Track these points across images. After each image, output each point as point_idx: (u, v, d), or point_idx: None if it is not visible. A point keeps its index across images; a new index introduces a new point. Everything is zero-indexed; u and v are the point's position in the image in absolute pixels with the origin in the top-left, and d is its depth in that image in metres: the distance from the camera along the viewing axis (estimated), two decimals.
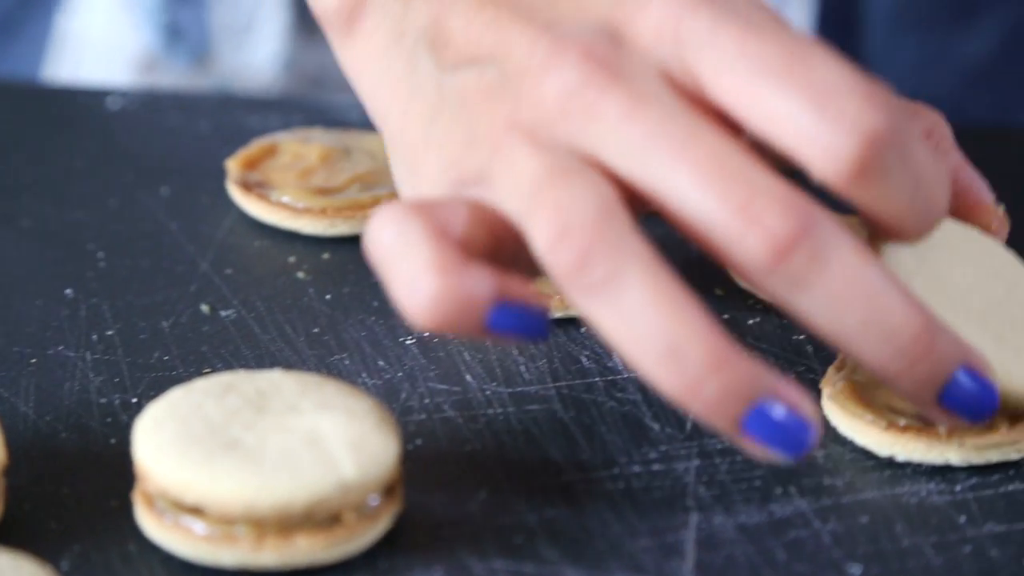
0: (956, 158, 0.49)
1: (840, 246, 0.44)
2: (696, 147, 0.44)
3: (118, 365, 0.52)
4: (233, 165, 0.59)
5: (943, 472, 0.48)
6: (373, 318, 0.54)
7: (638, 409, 0.50)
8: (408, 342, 0.53)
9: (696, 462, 0.49)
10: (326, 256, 0.57)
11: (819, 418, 0.43)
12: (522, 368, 0.52)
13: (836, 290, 0.44)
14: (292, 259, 0.57)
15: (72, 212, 0.59)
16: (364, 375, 0.52)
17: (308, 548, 0.45)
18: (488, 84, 0.47)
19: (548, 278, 0.44)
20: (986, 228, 0.50)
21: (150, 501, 0.46)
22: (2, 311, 0.54)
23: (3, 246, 0.57)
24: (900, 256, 0.47)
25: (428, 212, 0.44)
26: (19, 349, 0.53)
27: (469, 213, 0.45)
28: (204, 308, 0.55)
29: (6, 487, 0.47)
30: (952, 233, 0.49)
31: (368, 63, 0.50)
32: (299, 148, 0.60)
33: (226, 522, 0.45)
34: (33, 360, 0.52)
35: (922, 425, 0.48)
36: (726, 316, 0.54)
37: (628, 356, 0.43)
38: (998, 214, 0.51)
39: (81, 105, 0.65)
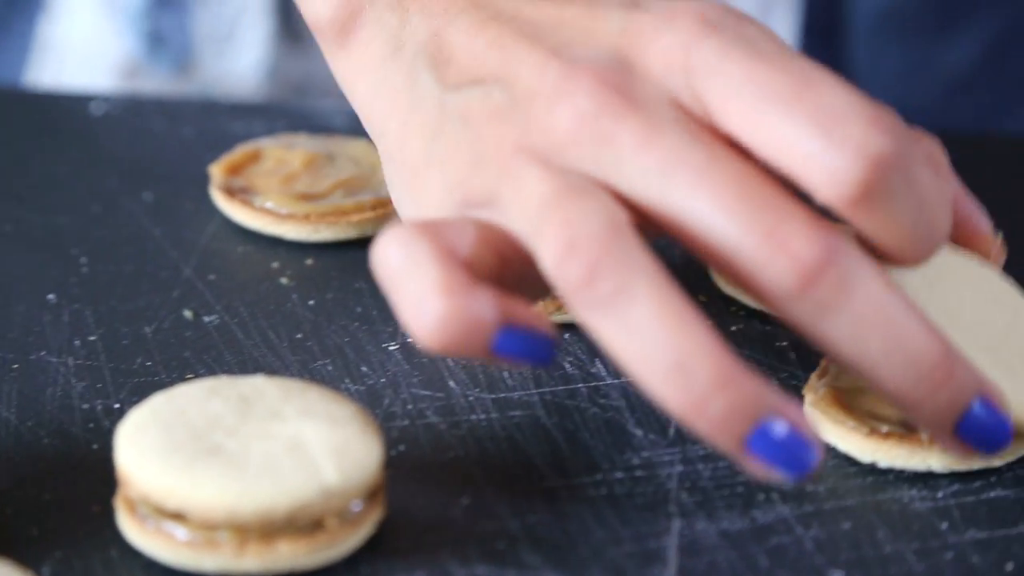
0: (955, 185, 0.49)
1: (865, 273, 0.44)
2: (717, 173, 0.44)
3: (101, 370, 0.52)
4: (217, 171, 0.59)
5: (925, 479, 0.48)
6: (356, 324, 0.54)
7: (621, 415, 0.50)
8: (391, 348, 0.53)
9: (679, 468, 0.49)
10: (309, 262, 0.57)
11: (822, 440, 0.43)
12: (505, 374, 0.52)
13: (861, 316, 0.44)
14: (275, 265, 0.57)
15: (55, 217, 0.59)
16: (347, 381, 0.52)
17: (290, 554, 0.45)
18: (495, 105, 0.46)
19: (551, 298, 0.44)
20: (984, 256, 0.51)
21: (132, 507, 0.46)
22: None
23: None
24: (902, 284, 0.47)
25: (435, 233, 0.44)
26: (1, 354, 0.52)
27: (476, 234, 0.45)
28: (187, 314, 0.55)
29: None
30: (951, 261, 0.49)
31: (364, 74, 0.50)
32: (283, 154, 0.60)
33: (208, 528, 0.45)
34: (15, 365, 0.52)
35: (904, 431, 0.48)
36: (708, 322, 0.54)
37: (634, 372, 0.43)
38: (996, 242, 0.52)
39: (65, 110, 0.65)
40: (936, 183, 0.45)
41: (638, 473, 0.49)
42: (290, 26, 0.74)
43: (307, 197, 0.58)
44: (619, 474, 0.49)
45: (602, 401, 0.51)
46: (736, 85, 0.44)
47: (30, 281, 0.56)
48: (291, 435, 0.46)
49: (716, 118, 0.45)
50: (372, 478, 0.46)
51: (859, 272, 0.44)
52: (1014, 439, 0.48)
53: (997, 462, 0.49)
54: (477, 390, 0.51)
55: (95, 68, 0.76)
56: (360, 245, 0.57)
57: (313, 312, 0.55)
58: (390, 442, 0.49)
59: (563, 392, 0.51)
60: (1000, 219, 0.61)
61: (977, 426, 0.45)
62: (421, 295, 0.43)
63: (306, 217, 0.58)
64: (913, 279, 0.47)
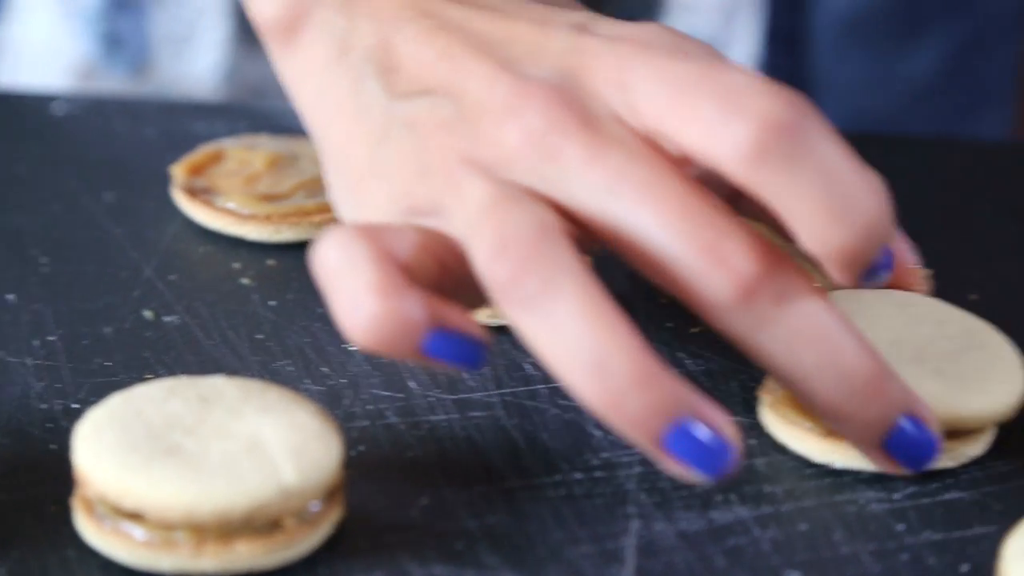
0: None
1: (801, 288, 0.45)
2: (660, 189, 0.45)
3: (60, 371, 0.52)
4: (178, 171, 0.59)
5: (882, 480, 0.49)
6: (317, 324, 0.54)
7: (581, 416, 0.51)
8: (352, 348, 0.53)
9: (638, 469, 0.49)
10: (271, 262, 0.57)
11: (739, 440, 0.44)
12: (465, 375, 0.52)
13: (796, 330, 0.45)
14: (237, 265, 0.57)
15: (15, 217, 0.59)
16: (307, 381, 0.52)
17: (248, 554, 0.45)
18: (442, 117, 0.47)
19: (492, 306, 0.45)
20: (910, 289, 0.52)
21: (89, 507, 0.46)
22: None
23: None
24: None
25: (374, 235, 0.45)
26: None
27: (416, 240, 0.46)
28: (147, 314, 0.54)
29: None
30: (876, 293, 0.51)
31: (308, 76, 0.50)
32: (245, 154, 0.60)
33: (166, 528, 0.45)
34: None
35: None
36: (669, 324, 0.54)
37: (556, 369, 0.44)
38: (921, 276, 0.53)
39: (26, 110, 0.64)
40: (842, 155, 0.45)
41: (597, 474, 0.49)
42: (248, 28, 0.74)
43: (269, 198, 0.58)
44: (578, 475, 0.49)
45: (562, 402, 0.51)
46: (656, 83, 0.45)
47: None
48: (250, 435, 0.46)
49: (646, 122, 0.46)
50: (331, 478, 0.46)
51: (796, 287, 0.45)
52: (961, 441, 0.49)
53: (950, 463, 0.49)
54: (437, 391, 0.51)
55: (51, 69, 0.75)
56: None
57: (274, 313, 0.55)
58: (350, 442, 0.49)
59: (523, 393, 0.52)
60: (963, 220, 0.61)
61: (904, 442, 0.46)
62: (355, 294, 0.44)
63: (268, 218, 0.58)
64: (842, 306, 0.48)
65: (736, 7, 0.79)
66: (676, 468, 0.44)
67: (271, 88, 0.75)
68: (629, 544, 0.47)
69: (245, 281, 0.56)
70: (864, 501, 0.48)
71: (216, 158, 0.60)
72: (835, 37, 0.85)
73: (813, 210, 0.44)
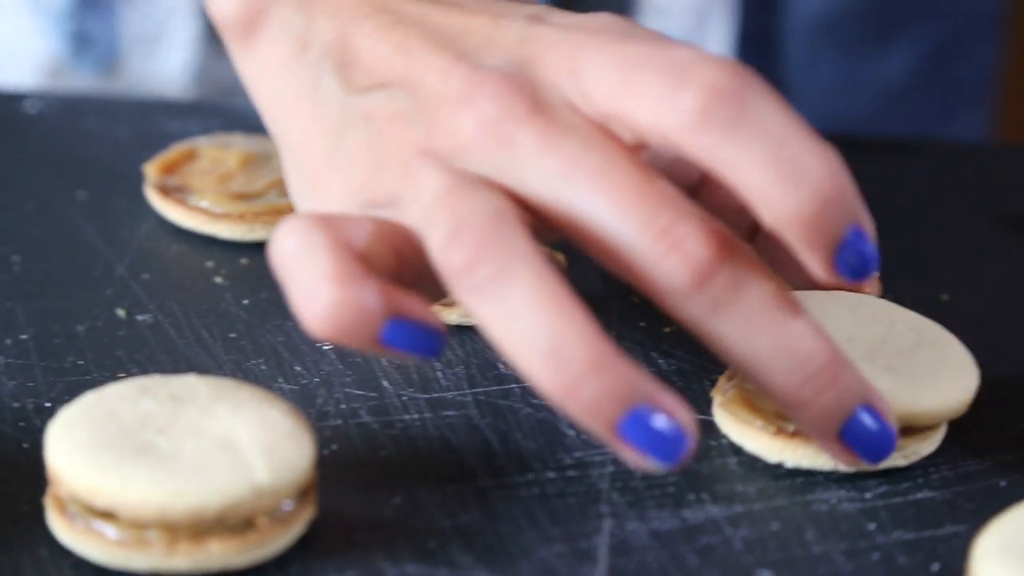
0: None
1: (756, 273, 0.45)
2: (615, 175, 0.45)
3: (32, 369, 0.52)
4: (151, 169, 0.59)
5: (853, 480, 0.49)
6: (290, 323, 0.54)
7: (554, 415, 0.51)
8: (325, 347, 0.53)
9: (610, 468, 0.49)
10: (244, 261, 0.57)
11: (696, 428, 0.44)
12: (439, 374, 0.52)
13: (751, 315, 0.45)
14: (210, 264, 0.57)
15: None
16: (280, 380, 0.52)
17: (221, 553, 0.45)
18: (398, 109, 0.47)
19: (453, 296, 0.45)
20: (860, 288, 0.52)
21: (62, 505, 0.46)
22: None
23: None
24: None
25: (332, 225, 0.45)
26: None
27: (373, 230, 0.46)
28: (120, 312, 0.54)
29: None
30: (829, 295, 0.51)
31: (267, 73, 0.51)
32: (218, 153, 0.60)
33: (138, 527, 0.45)
34: None
35: None
36: (642, 324, 0.54)
37: (511, 355, 0.44)
38: (874, 280, 0.53)
39: None
40: (789, 121, 0.45)
41: (570, 473, 0.49)
42: None
43: (242, 196, 0.58)
44: (551, 474, 0.49)
45: (535, 401, 0.51)
46: (606, 67, 0.46)
47: None
48: (222, 434, 0.46)
49: (598, 107, 0.46)
50: (303, 477, 0.46)
51: (751, 273, 0.45)
52: (913, 438, 0.49)
53: (902, 462, 0.49)
54: (411, 390, 0.51)
55: (20, 68, 0.75)
56: None
57: (247, 311, 0.55)
58: (323, 441, 0.49)
59: (497, 392, 0.52)
60: (933, 220, 0.61)
61: (862, 432, 0.46)
62: (312, 283, 0.44)
63: (241, 216, 0.58)
64: None
65: (709, 9, 0.79)
66: (632, 456, 0.44)
67: (241, 88, 0.75)
68: (602, 543, 0.47)
69: (218, 280, 0.56)
70: (836, 500, 0.48)
71: (189, 157, 0.60)
72: (808, 39, 0.86)
73: (760, 173, 0.44)
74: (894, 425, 0.46)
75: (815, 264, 0.45)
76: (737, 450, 0.50)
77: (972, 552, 0.45)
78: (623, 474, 0.49)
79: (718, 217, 0.46)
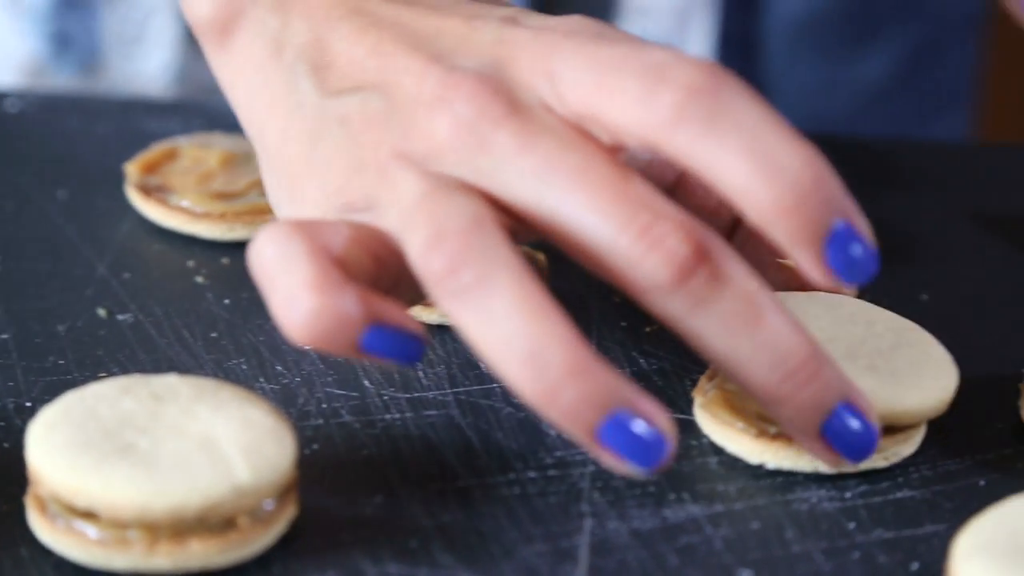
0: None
1: (737, 271, 0.45)
2: (592, 174, 0.45)
3: (12, 369, 0.52)
4: (132, 169, 0.59)
5: (833, 479, 0.49)
6: (271, 323, 0.54)
7: (535, 415, 0.51)
8: (306, 347, 0.53)
9: (591, 468, 0.49)
10: (225, 261, 0.57)
11: (675, 432, 0.44)
12: (420, 374, 0.52)
13: (731, 312, 0.45)
14: (191, 263, 0.57)
15: None
16: (262, 380, 0.52)
17: (202, 552, 0.45)
18: (374, 112, 0.47)
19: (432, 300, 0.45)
20: (838, 290, 0.52)
21: (42, 505, 0.46)
22: None
23: None
24: None
25: (310, 232, 0.45)
26: None
27: (351, 235, 0.46)
28: (101, 312, 0.54)
29: None
30: (807, 296, 0.51)
31: (243, 76, 0.51)
32: (199, 152, 0.60)
33: (119, 526, 0.45)
34: None
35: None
36: (623, 323, 0.55)
37: (492, 360, 0.44)
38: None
39: None
40: (765, 116, 0.45)
41: (551, 472, 0.49)
42: None
43: (223, 196, 0.58)
44: (532, 473, 0.49)
45: (516, 401, 0.51)
46: (581, 69, 0.46)
47: None
48: (203, 434, 0.46)
49: (574, 108, 0.46)
50: (284, 477, 0.46)
51: (731, 269, 0.45)
52: (893, 439, 0.49)
53: (882, 463, 0.49)
54: (392, 389, 0.51)
55: (0, 68, 0.75)
56: None
57: (228, 311, 0.55)
58: (304, 441, 0.49)
59: (478, 392, 0.52)
60: (914, 222, 0.61)
61: (843, 429, 0.46)
62: (292, 291, 0.44)
63: (222, 216, 0.57)
64: None
65: (689, 11, 0.79)
66: (611, 461, 0.44)
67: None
68: (583, 542, 0.47)
69: (199, 279, 0.56)
70: (816, 500, 0.48)
71: (170, 156, 0.60)
72: (789, 41, 0.86)
73: (738, 167, 0.44)
74: (876, 423, 0.46)
75: (805, 262, 0.45)
76: (718, 450, 0.50)
77: (952, 551, 0.45)
78: (604, 473, 0.49)
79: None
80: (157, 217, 0.58)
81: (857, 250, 0.45)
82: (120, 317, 0.54)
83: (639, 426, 0.44)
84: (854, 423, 0.46)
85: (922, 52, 0.87)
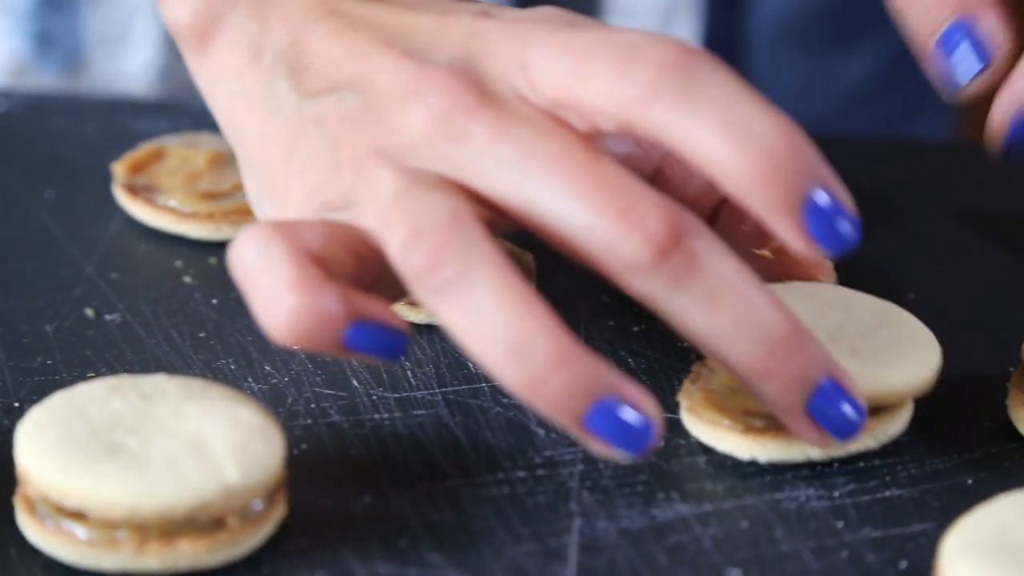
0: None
1: (716, 249, 0.45)
2: (569, 161, 0.45)
3: (0, 369, 0.52)
4: (119, 169, 0.59)
5: (822, 478, 0.49)
6: None
7: (523, 414, 0.51)
8: (295, 347, 0.53)
9: (580, 467, 0.49)
10: (213, 261, 0.57)
11: (662, 417, 0.44)
12: (409, 374, 0.52)
13: (712, 289, 0.45)
14: (179, 263, 0.57)
15: None
16: (250, 380, 0.52)
17: (191, 552, 0.45)
18: (350, 110, 0.48)
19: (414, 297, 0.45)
20: (815, 279, 0.53)
21: (31, 506, 0.45)
22: None
23: None
24: None
25: (290, 232, 0.45)
26: None
27: (332, 234, 0.46)
28: (89, 312, 0.54)
29: None
30: (780, 286, 0.51)
31: (223, 80, 0.51)
32: (186, 152, 0.60)
33: (108, 526, 0.45)
34: None
35: (777, 425, 0.49)
36: (611, 323, 0.55)
37: (476, 353, 0.44)
38: (827, 267, 0.53)
39: None
40: (739, 89, 0.45)
41: (540, 472, 0.49)
42: None
43: (211, 196, 0.58)
44: (521, 473, 0.49)
45: (505, 400, 0.51)
46: (553, 56, 0.46)
47: None
48: (192, 434, 0.46)
49: (548, 95, 0.46)
50: (273, 477, 0.46)
51: (710, 247, 0.45)
52: (880, 419, 0.49)
53: (872, 444, 0.49)
54: (381, 389, 0.52)
55: None
56: None
57: (216, 311, 0.55)
58: (292, 441, 0.49)
59: (466, 391, 0.52)
60: (899, 221, 0.61)
61: (828, 405, 0.46)
62: (273, 291, 0.45)
63: (209, 216, 0.57)
64: None
65: (674, 10, 0.79)
66: (599, 448, 0.44)
67: None
68: (572, 542, 0.47)
69: (187, 279, 0.56)
70: (804, 498, 0.48)
71: (157, 156, 0.60)
72: (773, 40, 0.86)
73: (712, 139, 0.45)
74: (861, 400, 0.46)
75: (785, 232, 0.45)
76: (706, 449, 0.50)
77: (940, 550, 0.45)
78: (593, 473, 0.49)
79: None
80: (144, 217, 0.58)
81: (837, 217, 0.45)
82: (108, 317, 0.54)
83: (625, 412, 0.44)
84: (838, 398, 0.46)
85: (906, 52, 0.87)
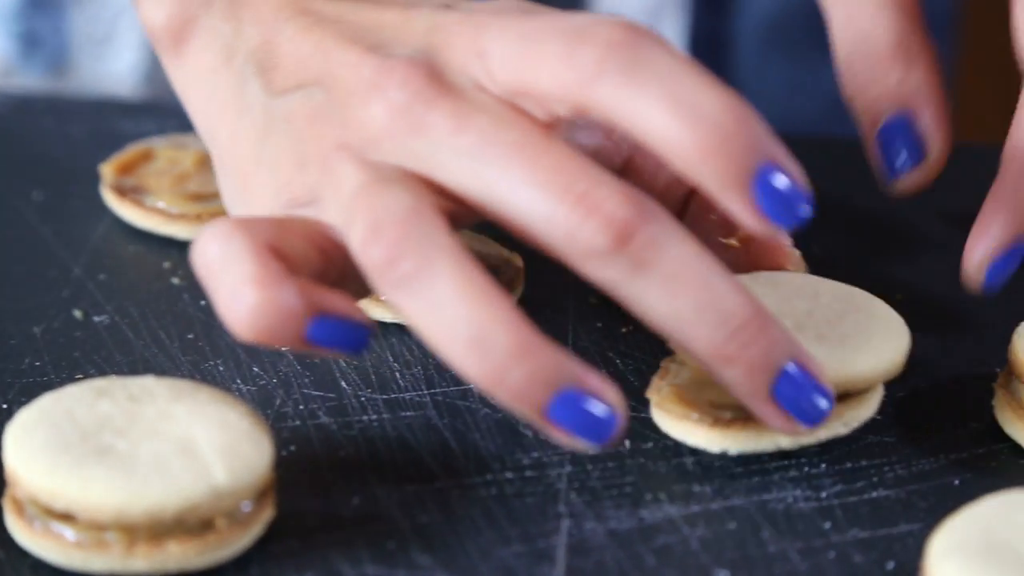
0: None
1: (676, 234, 0.45)
2: (529, 148, 0.46)
3: None
4: (107, 170, 0.59)
5: (809, 479, 0.49)
6: None
7: (512, 416, 0.51)
8: (283, 349, 0.53)
9: (568, 468, 0.49)
10: None
11: (625, 407, 0.45)
12: (397, 375, 0.52)
13: (672, 274, 0.45)
14: (167, 265, 0.57)
15: None
16: (239, 381, 0.52)
17: (180, 554, 0.45)
18: (315, 107, 0.48)
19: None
20: (783, 268, 0.52)
21: (20, 507, 0.45)
22: None
23: None
24: None
25: (254, 228, 0.46)
26: None
27: (296, 231, 0.46)
28: (77, 314, 0.54)
29: None
30: (746, 276, 0.51)
31: (197, 82, 0.51)
32: (174, 153, 0.60)
33: (97, 528, 0.45)
34: None
35: (746, 417, 0.49)
36: (599, 324, 0.55)
37: (437, 346, 0.44)
38: (795, 256, 0.53)
39: None
40: (685, 65, 0.45)
41: (528, 473, 0.49)
42: None
43: (199, 197, 0.58)
44: (509, 474, 0.49)
45: (493, 401, 0.51)
46: (508, 43, 0.47)
47: None
48: (180, 435, 0.46)
49: (505, 84, 0.46)
50: (262, 478, 0.46)
51: (669, 232, 0.45)
52: (849, 404, 0.49)
53: (843, 430, 0.49)
54: (369, 391, 0.52)
55: None
56: None
57: (205, 312, 0.55)
58: (281, 442, 0.49)
59: (455, 392, 0.52)
60: (886, 222, 0.62)
61: (793, 389, 0.46)
62: (234, 287, 0.45)
63: (198, 217, 0.57)
64: None
65: (660, 11, 0.79)
66: (563, 438, 0.44)
67: None
68: (560, 543, 0.47)
69: (176, 281, 0.56)
70: (791, 500, 0.49)
71: (145, 157, 0.60)
72: (760, 42, 0.86)
73: (659, 115, 0.45)
74: (828, 385, 0.47)
75: (735, 206, 0.45)
76: (694, 450, 0.50)
77: (927, 551, 0.45)
78: (581, 474, 0.49)
79: None
80: (133, 218, 0.58)
81: (787, 190, 0.45)
82: (96, 319, 0.54)
83: (587, 402, 0.44)
84: (803, 382, 0.46)
85: None
